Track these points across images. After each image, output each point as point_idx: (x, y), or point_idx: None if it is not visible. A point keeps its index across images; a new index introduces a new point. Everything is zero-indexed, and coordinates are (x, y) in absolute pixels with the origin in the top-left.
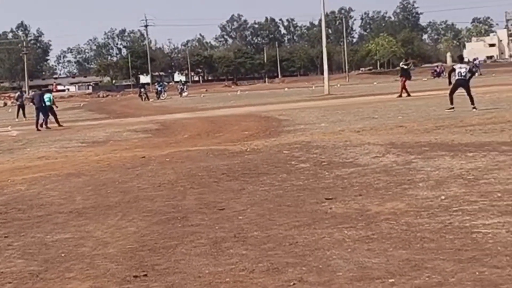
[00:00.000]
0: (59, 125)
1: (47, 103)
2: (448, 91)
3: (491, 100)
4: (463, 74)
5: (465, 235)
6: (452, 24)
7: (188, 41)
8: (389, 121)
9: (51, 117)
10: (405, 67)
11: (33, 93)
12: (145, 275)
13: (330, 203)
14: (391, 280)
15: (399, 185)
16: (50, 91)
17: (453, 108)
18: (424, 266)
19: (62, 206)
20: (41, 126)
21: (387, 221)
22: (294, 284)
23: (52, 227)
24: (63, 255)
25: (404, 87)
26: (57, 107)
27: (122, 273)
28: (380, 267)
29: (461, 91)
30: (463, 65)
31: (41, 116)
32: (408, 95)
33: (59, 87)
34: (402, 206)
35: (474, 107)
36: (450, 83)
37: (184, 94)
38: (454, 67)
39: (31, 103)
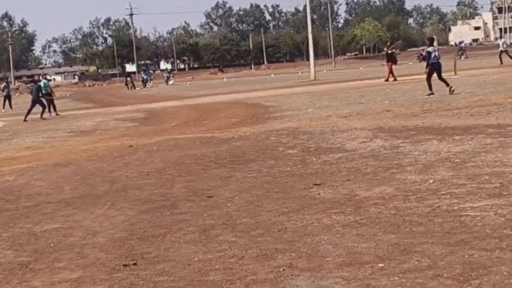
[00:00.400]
0: (57, 114)
1: (44, 91)
2: (425, 77)
3: (477, 83)
4: (438, 57)
5: (454, 218)
6: (437, 8)
7: (173, 29)
8: (376, 106)
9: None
10: (389, 51)
11: (31, 84)
12: (135, 264)
13: (318, 189)
14: (380, 265)
15: (387, 169)
16: (46, 79)
17: (432, 93)
18: (413, 250)
19: (50, 196)
20: (42, 117)
21: (376, 206)
22: (283, 270)
23: (41, 217)
24: (52, 245)
25: (391, 71)
26: (54, 95)
27: (112, 262)
28: (370, 251)
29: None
30: (436, 48)
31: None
32: (395, 79)
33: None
34: (391, 190)
35: (451, 87)
36: (427, 66)
37: (170, 82)
38: (429, 50)
39: (30, 94)
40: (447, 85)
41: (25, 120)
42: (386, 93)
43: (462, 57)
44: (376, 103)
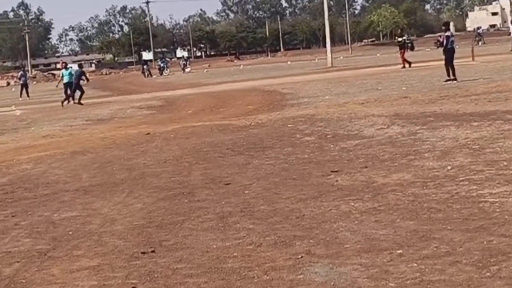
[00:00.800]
0: (74, 102)
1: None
2: (444, 62)
3: (495, 69)
4: (452, 43)
5: (472, 205)
6: None
7: (189, 17)
8: (393, 93)
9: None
10: (400, 39)
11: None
12: (153, 251)
13: (336, 176)
14: (399, 251)
15: (405, 156)
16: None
17: (453, 79)
18: (432, 237)
19: (68, 184)
20: (73, 101)
21: (394, 192)
22: (302, 257)
23: (59, 205)
24: (70, 233)
25: (404, 58)
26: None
27: (130, 250)
28: (388, 238)
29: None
30: (452, 33)
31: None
32: (409, 65)
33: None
34: (409, 177)
35: (452, 79)
36: (445, 51)
37: (187, 70)
38: (448, 34)
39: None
40: (449, 74)
41: (63, 105)
42: (403, 80)
43: (480, 43)
44: (393, 89)
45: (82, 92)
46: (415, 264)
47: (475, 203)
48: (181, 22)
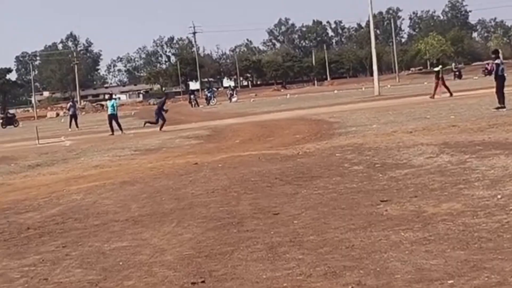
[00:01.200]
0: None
1: (111, 111)
2: (495, 89)
3: None
4: (503, 71)
5: None
6: (502, 22)
7: (236, 47)
8: (441, 121)
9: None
10: (436, 69)
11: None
12: (203, 282)
13: (385, 205)
14: (450, 282)
15: (455, 185)
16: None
17: (503, 107)
18: (483, 266)
19: (118, 214)
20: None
21: (444, 222)
22: (352, 287)
23: (109, 235)
24: (121, 263)
25: (445, 86)
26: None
27: (180, 280)
28: (439, 268)
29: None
30: (502, 61)
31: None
32: (450, 94)
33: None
34: (459, 206)
35: (502, 106)
36: (496, 79)
37: (234, 99)
38: (497, 62)
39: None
40: (500, 102)
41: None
42: (451, 108)
43: None
44: (442, 118)
45: (164, 120)
46: None
47: None
48: (228, 52)
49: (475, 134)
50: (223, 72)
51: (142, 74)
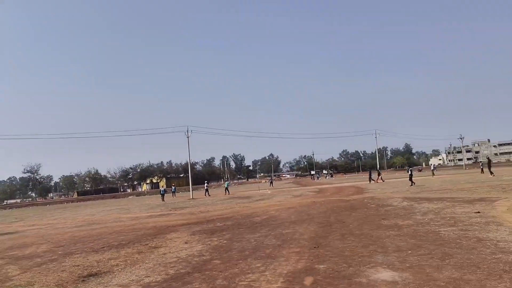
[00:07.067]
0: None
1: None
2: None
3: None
4: (412, 171)
5: (436, 234)
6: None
7: None
8: (403, 189)
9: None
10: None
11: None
12: (317, 247)
13: (384, 221)
14: (409, 252)
15: (409, 214)
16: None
17: (414, 183)
18: (422, 246)
19: (287, 219)
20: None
21: (406, 228)
22: (374, 250)
23: (284, 227)
24: (288, 237)
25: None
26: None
27: (308, 246)
28: (403, 247)
29: None
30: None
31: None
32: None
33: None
34: (411, 222)
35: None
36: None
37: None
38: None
39: None
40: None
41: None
42: (396, 185)
43: None
44: (399, 188)
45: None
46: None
47: (437, 233)
48: None
49: (416, 194)
50: None
51: None
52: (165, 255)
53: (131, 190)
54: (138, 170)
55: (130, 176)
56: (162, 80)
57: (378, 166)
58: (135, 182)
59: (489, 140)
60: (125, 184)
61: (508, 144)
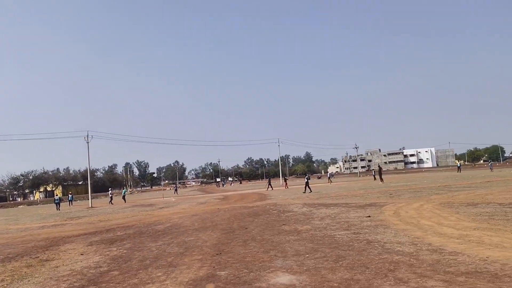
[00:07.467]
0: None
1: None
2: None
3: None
4: (309, 178)
5: (331, 238)
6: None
7: None
8: (303, 195)
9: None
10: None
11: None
12: (220, 254)
13: (284, 226)
14: (306, 255)
15: (308, 219)
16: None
17: (310, 191)
18: (318, 250)
19: (190, 227)
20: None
21: (305, 232)
22: (274, 255)
23: (187, 234)
24: (191, 245)
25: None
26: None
27: (211, 252)
28: (301, 251)
29: None
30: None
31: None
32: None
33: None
34: (309, 227)
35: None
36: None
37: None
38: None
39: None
40: (306, 191)
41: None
42: (296, 192)
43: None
44: (295, 194)
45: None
46: (318, 260)
47: (332, 237)
48: None
49: (315, 200)
50: None
51: None
52: (58, 268)
53: (22, 199)
54: (30, 177)
55: (21, 184)
56: (62, 81)
57: (281, 174)
58: (27, 191)
59: (380, 150)
60: (15, 192)
61: (396, 153)
